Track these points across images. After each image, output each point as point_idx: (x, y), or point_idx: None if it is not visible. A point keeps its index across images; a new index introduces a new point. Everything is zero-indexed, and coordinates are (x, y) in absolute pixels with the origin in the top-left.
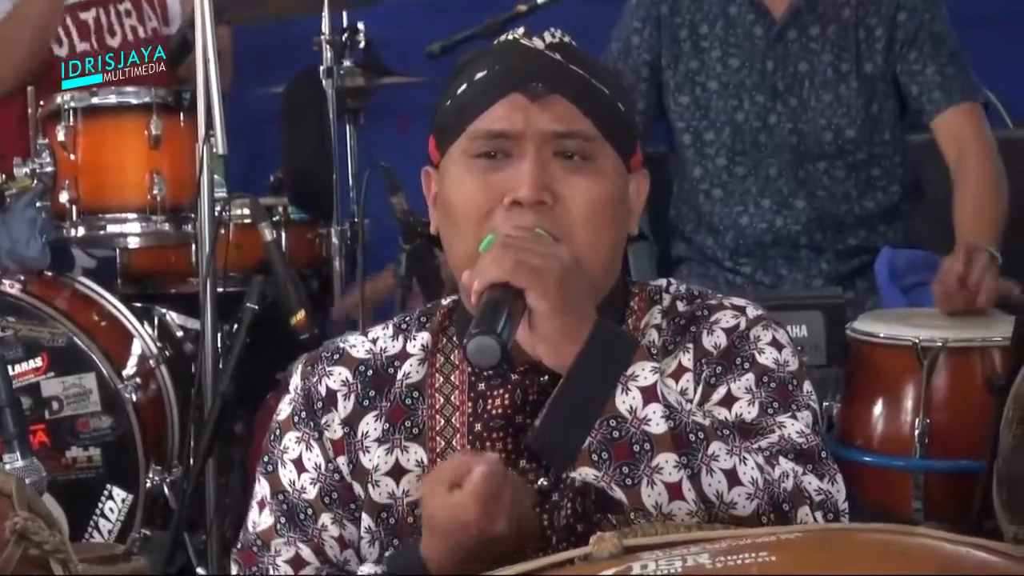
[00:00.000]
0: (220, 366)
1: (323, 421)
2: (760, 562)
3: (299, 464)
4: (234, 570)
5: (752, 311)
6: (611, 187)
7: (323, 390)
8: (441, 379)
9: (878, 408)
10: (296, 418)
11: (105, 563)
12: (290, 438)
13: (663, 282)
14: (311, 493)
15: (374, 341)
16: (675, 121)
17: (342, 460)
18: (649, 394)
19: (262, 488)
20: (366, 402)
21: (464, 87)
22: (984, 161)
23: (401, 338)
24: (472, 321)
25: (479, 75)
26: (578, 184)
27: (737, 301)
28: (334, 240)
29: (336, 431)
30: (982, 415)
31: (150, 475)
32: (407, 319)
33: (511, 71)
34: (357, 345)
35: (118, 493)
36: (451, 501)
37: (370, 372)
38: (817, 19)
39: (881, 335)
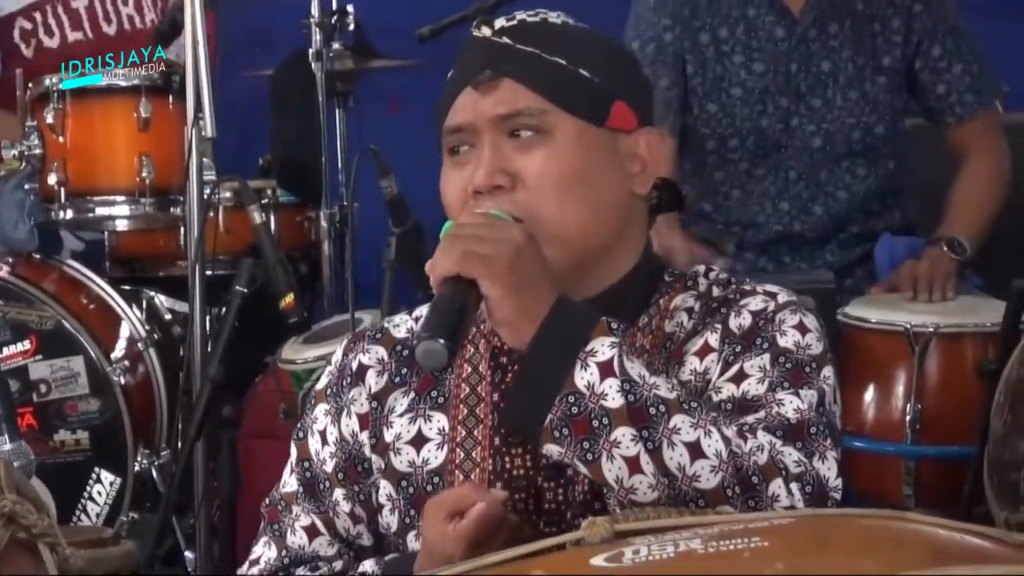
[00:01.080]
0: (209, 349)
1: (350, 396)
2: (752, 547)
3: (324, 436)
4: (262, 523)
5: (784, 296)
6: (571, 156)
7: (355, 365)
8: (472, 349)
9: (869, 394)
10: (329, 391)
11: (93, 547)
12: (320, 409)
13: (701, 268)
14: (329, 466)
15: (417, 320)
16: (699, 127)
17: (365, 435)
18: (606, 369)
19: (292, 454)
20: (397, 379)
21: (445, 89)
22: (997, 160)
23: None
24: (421, 323)
25: (450, 75)
26: (532, 160)
27: (770, 287)
28: (323, 223)
29: (363, 405)
30: (973, 401)
31: (138, 458)
32: None
33: (464, 65)
34: (400, 325)
35: (106, 476)
36: (444, 530)
37: (406, 352)
38: (835, 15)
39: (872, 320)
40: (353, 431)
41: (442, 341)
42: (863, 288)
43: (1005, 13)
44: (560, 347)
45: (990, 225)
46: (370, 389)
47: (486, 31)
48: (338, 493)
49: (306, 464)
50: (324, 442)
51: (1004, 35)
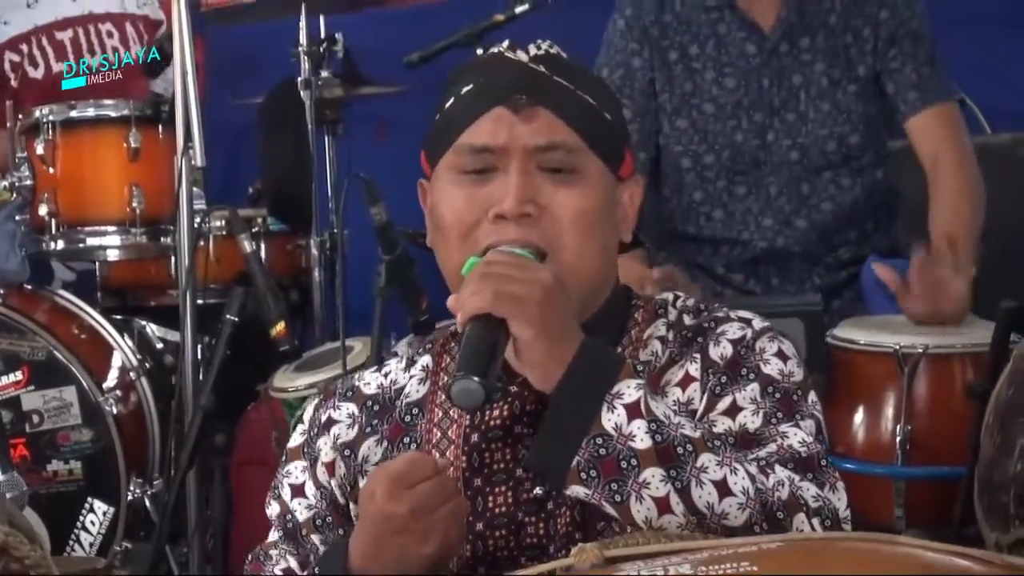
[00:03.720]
0: (200, 378)
1: (317, 446)
2: (741, 572)
3: (300, 490)
4: None
5: (758, 323)
6: (597, 197)
7: (324, 418)
8: (443, 395)
9: (859, 415)
10: (304, 449)
11: None
12: (296, 466)
13: (669, 296)
14: (304, 516)
15: (386, 375)
16: (672, 145)
17: (334, 482)
18: (633, 410)
19: (271, 509)
20: (368, 429)
21: (451, 101)
22: (960, 168)
23: (410, 368)
24: (456, 362)
25: (465, 89)
26: (563, 196)
27: (743, 313)
28: (313, 251)
29: (328, 454)
30: (963, 421)
31: (131, 488)
32: (420, 349)
33: (495, 85)
34: (371, 382)
35: (99, 506)
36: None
37: (376, 406)
38: (806, 29)
39: (861, 342)
40: (327, 480)
41: (477, 379)
42: (851, 310)
43: (982, 25)
44: (587, 390)
45: (977, 232)
46: (337, 438)
47: (522, 56)
48: (315, 538)
49: (288, 517)
50: (302, 495)
51: (980, 50)
